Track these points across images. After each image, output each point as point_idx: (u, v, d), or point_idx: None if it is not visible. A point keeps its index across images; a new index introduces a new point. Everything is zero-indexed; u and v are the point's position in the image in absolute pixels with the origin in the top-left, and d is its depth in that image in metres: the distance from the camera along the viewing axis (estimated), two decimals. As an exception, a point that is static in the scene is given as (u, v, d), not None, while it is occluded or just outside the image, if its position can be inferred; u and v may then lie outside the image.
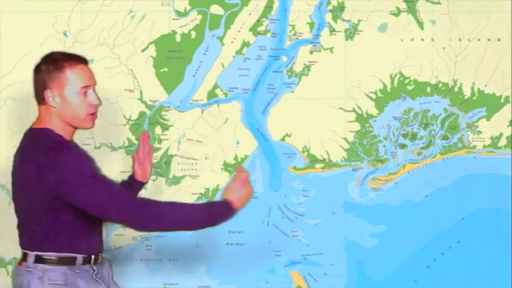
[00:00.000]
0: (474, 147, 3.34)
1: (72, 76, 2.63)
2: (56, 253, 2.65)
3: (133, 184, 2.86)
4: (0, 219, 3.23)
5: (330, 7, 3.32)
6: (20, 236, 2.72)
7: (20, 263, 2.68)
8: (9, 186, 3.22)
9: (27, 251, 2.67)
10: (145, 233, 3.26)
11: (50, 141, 2.63)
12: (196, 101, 3.29)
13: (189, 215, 2.59)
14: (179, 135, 3.28)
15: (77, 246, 2.67)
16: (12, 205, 3.21)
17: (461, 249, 3.32)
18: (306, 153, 3.31)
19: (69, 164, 2.57)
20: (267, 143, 3.31)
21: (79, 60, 2.67)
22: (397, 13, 3.33)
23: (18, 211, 2.73)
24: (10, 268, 3.23)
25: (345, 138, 3.32)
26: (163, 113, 3.28)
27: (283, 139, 3.32)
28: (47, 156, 2.58)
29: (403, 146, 3.34)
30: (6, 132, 3.24)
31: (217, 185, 3.29)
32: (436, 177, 3.32)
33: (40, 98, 2.65)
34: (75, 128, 2.68)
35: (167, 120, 3.28)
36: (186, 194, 3.27)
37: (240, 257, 3.29)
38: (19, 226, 2.73)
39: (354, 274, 3.31)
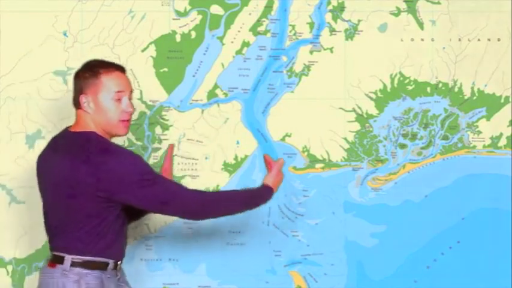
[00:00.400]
0: (474, 147, 3.34)
1: (107, 82, 2.71)
2: (92, 257, 2.68)
3: None
4: (0, 219, 3.23)
5: (330, 7, 3.32)
6: (54, 238, 2.73)
7: (52, 265, 2.70)
8: (9, 186, 3.23)
9: (63, 254, 2.68)
10: (146, 233, 3.25)
11: (102, 143, 2.69)
12: (196, 101, 3.29)
13: (238, 203, 2.83)
14: (179, 135, 3.28)
15: (111, 251, 2.72)
16: (12, 205, 3.24)
17: (461, 249, 3.32)
18: (306, 153, 3.31)
19: (127, 165, 2.64)
20: (267, 143, 3.31)
21: (115, 67, 2.76)
22: (397, 13, 3.33)
23: (54, 213, 2.72)
24: (10, 268, 3.23)
25: (345, 138, 3.32)
26: (163, 113, 3.28)
27: (283, 139, 3.32)
28: (104, 159, 2.63)
29: (403, 146, 3.34)
30: (6, 132, 3.24)
31: (217, 185, 3.29)
32: (436, 177, 3.32)
33: (77, 103, 2.74)
34: (110, 135, 2.75)
35: (167, 120, 3.28)
36: (186, 194, 3.27)
37: (240, 257, 3.29)
38: (54, 228, 2.73)
39: (354, 274, 3.31)
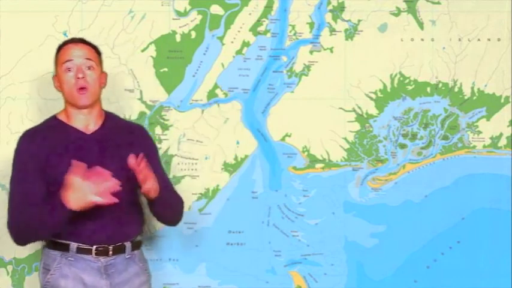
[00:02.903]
0: (474, 147, 3.34)
1: (59, 58, 2.79)
2: (52, 238, 2.69)
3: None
4: (0, 220, 3.23)
5: (330, 7, 3.32)
6: None
7: None
8: (9, 186, 3.23)
9: None
10: (146, 233, 3.25)
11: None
12: (196, 101, 3.29)
13: (44, 224, 2.60)
14: (179, 135, 3.28)
15: (67, 233, 2.65)
16: (12, 205, 3.23)
17: (461, 249, 3.32)
18: (306, 153, 3.31)
19: (15, 150, 2.76)
20: (267, 143, 3.31)
21: (69, 41, 2.82)
22: (397, 13, 3.33)
23: None
24: (10, 268, 3.23)
25: (345, 138, 3.32)
26: (163, 113, 3.28)
27: (283, 139, 3.32)
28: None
29: (403, 146, 3.34)
30: (6, 132, 3.23)
31: (217, 185, 3.29)
32: (436, 177, 3.32)
33: None
34: (78, 108, 2.77)
35: (167, 120, 3.28)
36: (186, 194, 3.26)
37: (240, 257, 3.29)
38: None
39: (354, 274, 3.31)
